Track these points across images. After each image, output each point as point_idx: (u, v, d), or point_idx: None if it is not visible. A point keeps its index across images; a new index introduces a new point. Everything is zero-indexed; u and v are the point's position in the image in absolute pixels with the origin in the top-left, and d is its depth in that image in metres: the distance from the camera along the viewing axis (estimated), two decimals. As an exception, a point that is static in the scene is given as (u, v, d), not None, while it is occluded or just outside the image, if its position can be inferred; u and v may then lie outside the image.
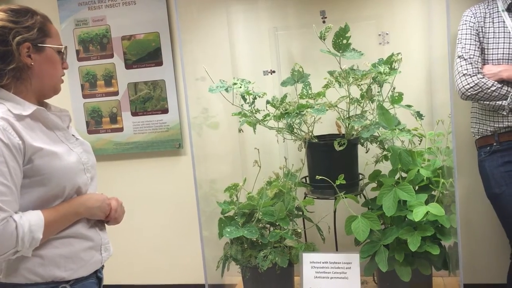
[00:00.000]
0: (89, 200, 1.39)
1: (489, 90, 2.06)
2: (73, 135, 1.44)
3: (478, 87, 2.07)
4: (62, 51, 1.40)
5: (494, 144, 2.15)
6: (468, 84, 2.08)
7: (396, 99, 2.16)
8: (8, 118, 1.25)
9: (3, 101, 1.30)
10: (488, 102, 2.09)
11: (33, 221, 1.25)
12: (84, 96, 2.93)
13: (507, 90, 2.06)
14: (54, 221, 1.30)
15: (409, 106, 2.19)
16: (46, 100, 1.44)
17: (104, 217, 1.45)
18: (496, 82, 2.06)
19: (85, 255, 1.38)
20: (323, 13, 2.39)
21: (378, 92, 2.17)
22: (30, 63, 1.32)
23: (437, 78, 2.43)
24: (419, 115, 2.19)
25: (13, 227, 1.21)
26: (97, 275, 1.45)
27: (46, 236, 1.28)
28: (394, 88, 2.17)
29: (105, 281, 1.52)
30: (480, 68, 2.10)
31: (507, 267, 2.26)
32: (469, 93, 2.09)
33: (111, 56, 2.86)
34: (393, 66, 2.13)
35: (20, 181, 1.25)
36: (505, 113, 2.08)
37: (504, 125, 2.11)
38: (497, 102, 2.07)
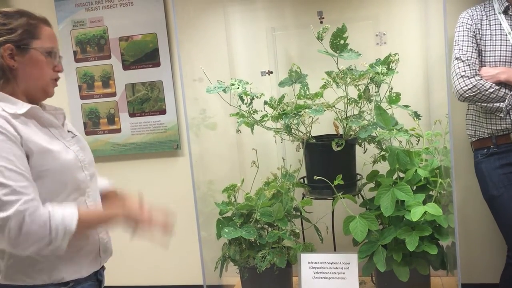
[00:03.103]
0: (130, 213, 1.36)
1: (487, 92, 2.06)
2: (70, 131, 1.42)
3: (476, 89, 2.06)
4: (52, 51, 1.35)
5: (492, 146, 2.15)
6: (466, 85, 2.07)
7: (394, 99, 2.16)
8: (5, 116, 1.25)
9: None
10: (485, 104, 2.09)
11: (67, 212, 1.24)
12: (82, 97, 2.92)
13: (504, 92, 2.05)
14: (88, 218, 1.30)
15: (406, 106, 2.19)
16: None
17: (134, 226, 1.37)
18: (494, 84, 2.06)
19: (83, 256, 1.37)
20: (321, 13, 2.39)
21: (375, 92, 2.17)
22: (12, 65, 1.29)
23: (435, 78, 2.44)
24: (416, 115, 2.19)
25: (46, 215, 1.20)
26: (97, 278, 1.44)
27: (80, 231, 1.25)
28: (391, 88, 2.17)
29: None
30: (478, 70, 2.10)
31: (505, 266, 2.26)
32: (467, 95, 2.08)
33: (109, 57, 2.85)
34: (390, 67, 2.13)
35: (29, 169, 1.23)
36: (502, 115, 2.07)
37: (502, 127, 2.11)
38: (495, 104, 2.07)
